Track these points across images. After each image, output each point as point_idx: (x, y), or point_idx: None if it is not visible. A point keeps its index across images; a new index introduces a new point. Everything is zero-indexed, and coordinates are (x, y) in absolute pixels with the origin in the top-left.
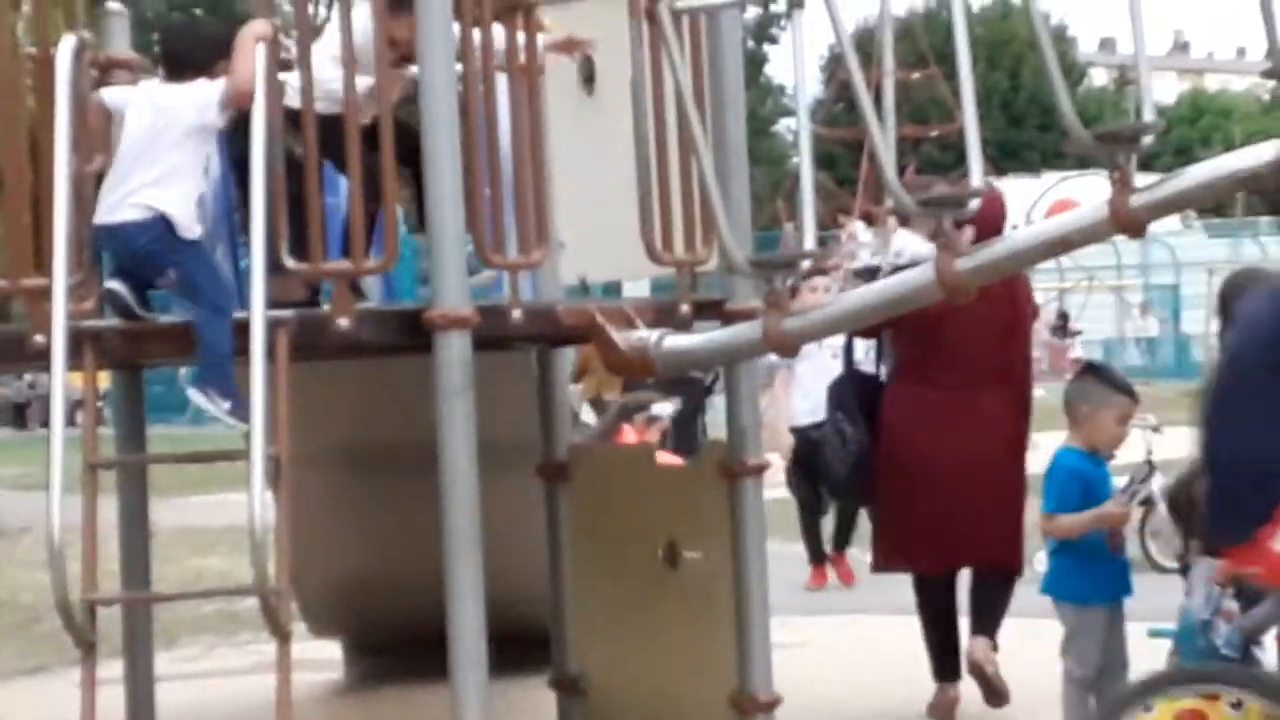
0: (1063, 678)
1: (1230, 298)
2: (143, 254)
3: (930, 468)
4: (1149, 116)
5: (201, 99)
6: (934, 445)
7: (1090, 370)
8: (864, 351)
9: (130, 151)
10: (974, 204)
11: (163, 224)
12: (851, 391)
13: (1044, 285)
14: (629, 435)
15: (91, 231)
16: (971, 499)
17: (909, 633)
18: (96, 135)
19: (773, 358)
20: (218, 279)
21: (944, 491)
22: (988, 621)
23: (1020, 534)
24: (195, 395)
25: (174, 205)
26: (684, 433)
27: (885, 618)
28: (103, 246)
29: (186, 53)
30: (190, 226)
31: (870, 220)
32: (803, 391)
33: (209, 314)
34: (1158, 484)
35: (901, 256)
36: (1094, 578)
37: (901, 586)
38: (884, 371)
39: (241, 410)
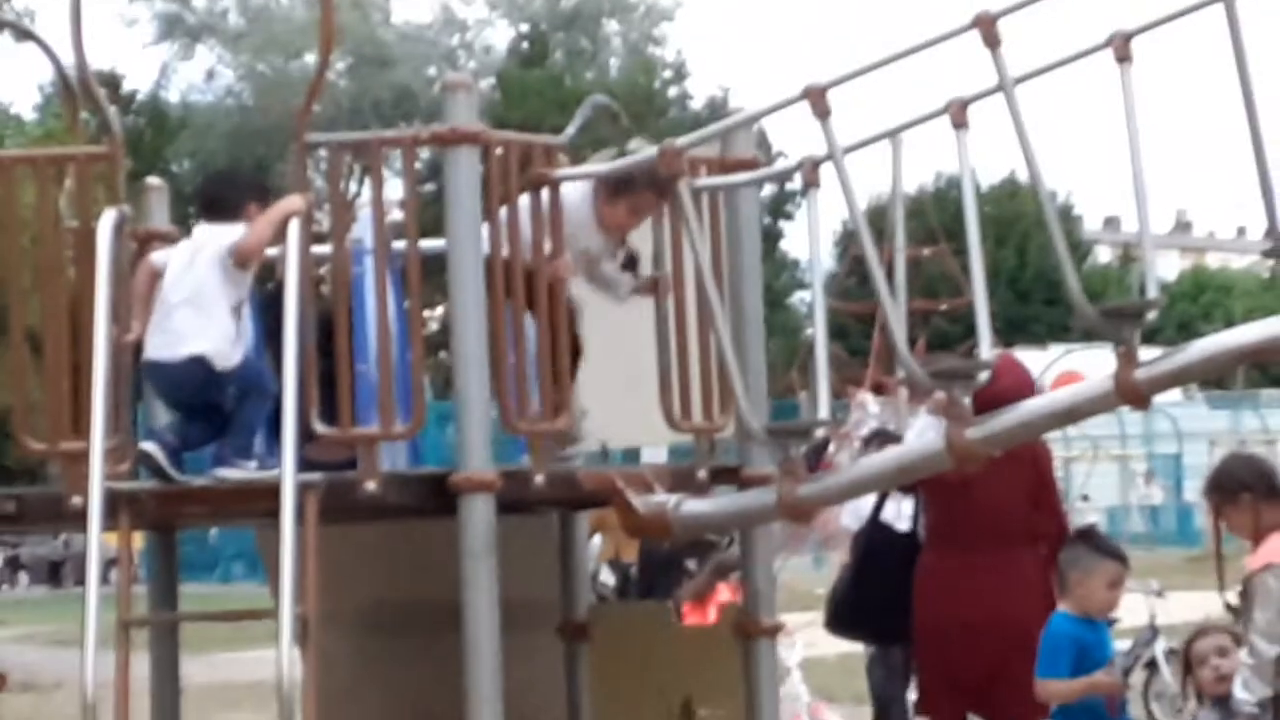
0: None
1: None
2: (187, 393)
3: (970, 629)
4: (1153, 293)
5: (227, 237)
6: (972, 607)
7: (1080, 537)
8: (894, 510)
9: (170, 288)
10: (982, 376)
11: (201, 365)
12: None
13: None
14: (724, 594)
15: (134, 380)
16: (1007, 660)
17: None
18: (144, 298)
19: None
20: (262, 375)
21: (984, 654)
22: None
23: None
24: (224, 471)
25: (209, 342)
26: None
27: None
28: (150, 381)
29: (218, 195)
30: (228, 355)
31: (881, 390)
32: None
33: (257, 402)
34: (1160, 648)
35: (868, 419)
36: None
37: None
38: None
39: (272, 461)
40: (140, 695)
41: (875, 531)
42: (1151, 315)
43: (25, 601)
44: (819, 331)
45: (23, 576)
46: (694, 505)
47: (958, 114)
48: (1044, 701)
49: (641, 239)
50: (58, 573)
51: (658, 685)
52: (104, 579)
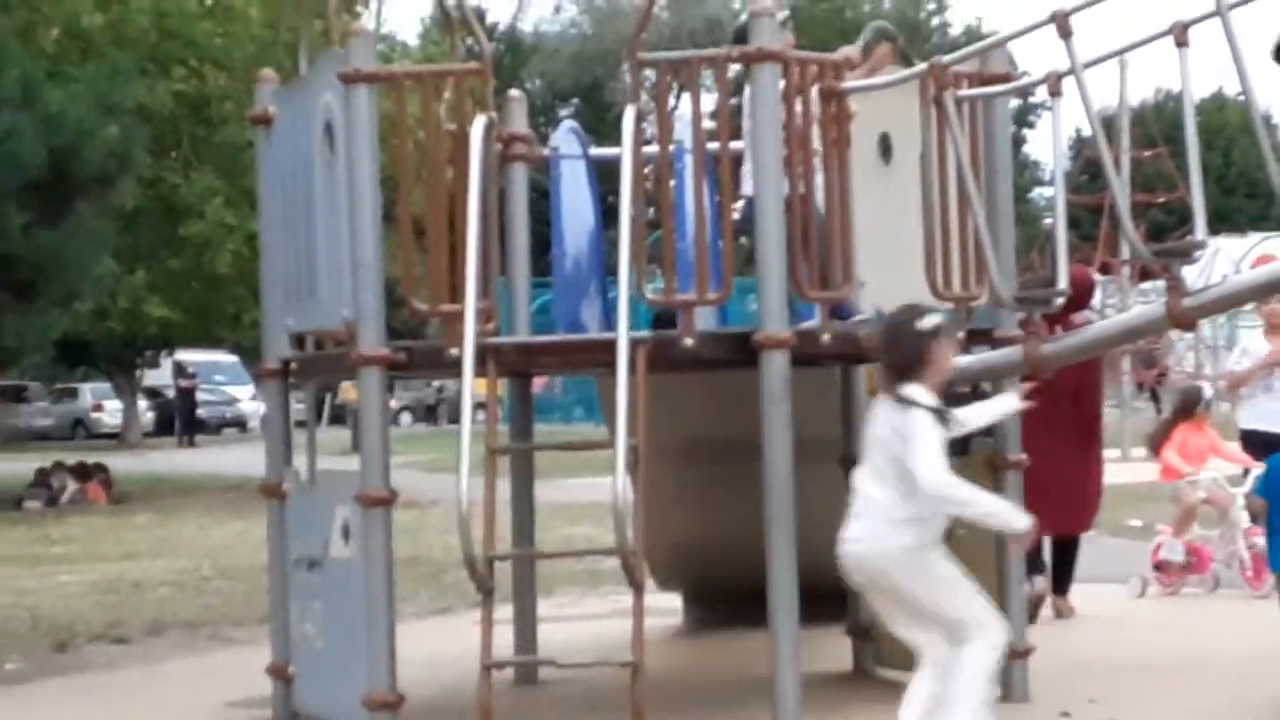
0: None
1: None
2: None
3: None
4: None
5: None
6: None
7: None
8: None
9: None
10: (1198, 254)
11: None
12: None
13: (1250, 325)
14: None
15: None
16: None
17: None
18: None
19: None
20: None
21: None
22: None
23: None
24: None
25: None
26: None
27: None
28: None
29: None
30: None
31: (1107, 271)
32: None
33: None
34: None
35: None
36: None
37: None
38: None
39: None
40: (503, 510)
41: None
42: None
43: (407, 437)
44: (1059, 218)
45: (405, 417)
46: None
47: (1180, 34)
48: None
49: (912, 139)
50: (433, 413)
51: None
52: (472, 419)
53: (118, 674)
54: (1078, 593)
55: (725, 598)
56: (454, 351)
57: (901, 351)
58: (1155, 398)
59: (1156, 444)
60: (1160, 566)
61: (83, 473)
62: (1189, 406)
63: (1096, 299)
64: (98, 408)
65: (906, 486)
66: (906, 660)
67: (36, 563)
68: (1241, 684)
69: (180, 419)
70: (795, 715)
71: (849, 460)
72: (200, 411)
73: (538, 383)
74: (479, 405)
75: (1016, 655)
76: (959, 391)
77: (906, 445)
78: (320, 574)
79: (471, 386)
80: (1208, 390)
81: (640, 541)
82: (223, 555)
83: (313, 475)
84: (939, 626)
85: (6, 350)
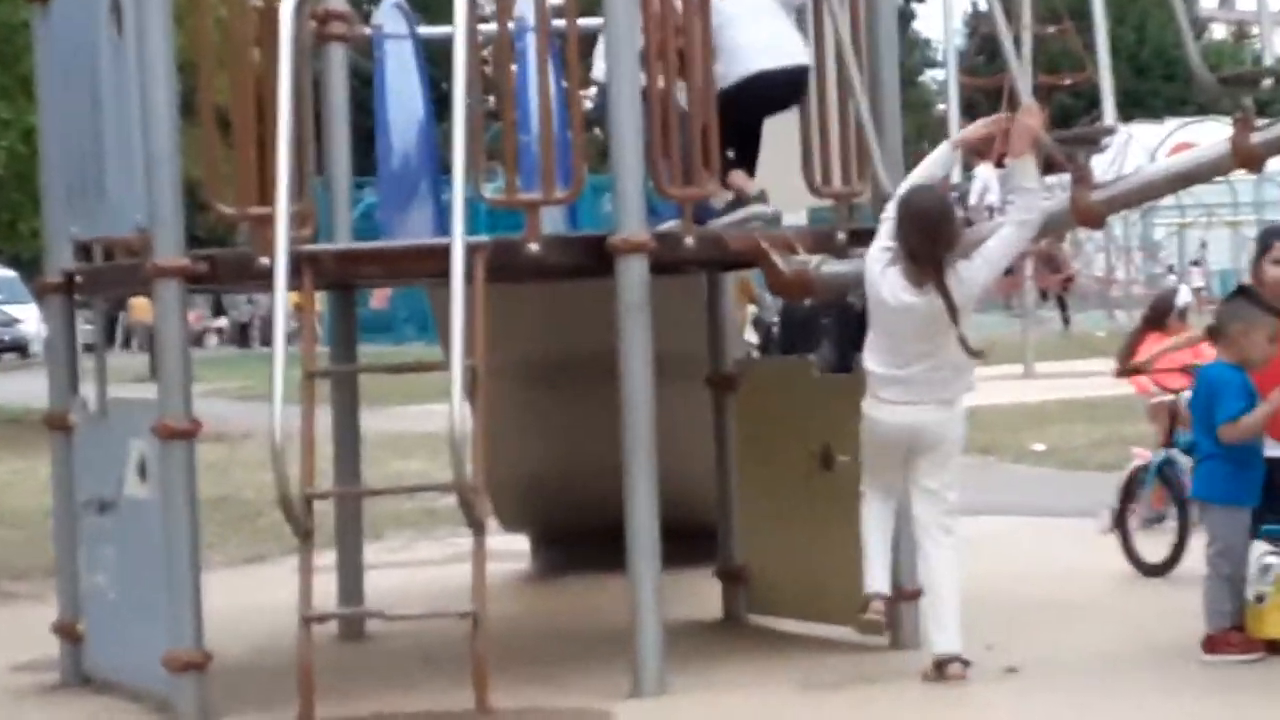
0: (1210, 575)
1: None
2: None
3: None
4: (1269, 61)
5: None
6: None
7: (1242, 293)
8: None
9: None
10: (1106, 141)
11: None
12: None
13: (1166, 221)
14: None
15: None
16: None
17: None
18: None
19: None
20: None
21: None
22: None
23: None
24: None
25: None
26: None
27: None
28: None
29: None
30: None
31: (1003, 163)
32: None
33: None
34: None
35: (989, 192)
36: (1246, 482)
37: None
38: None
39: None
40: (323, 443)
41: None
42: (1267, 83)
43: (215, 361)
44: (951, 103)
45: (211, 339)
46: (834, 265)
47: None
48: (1232, 441)
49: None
50: (245, 334)
51: (799, 433)
52: (289, 342)
53: None
54: (982, 525)
55: (579, 538)
56: (264, 261)
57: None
58: (1062, 306)
59: (1124, 358)
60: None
61: None
62: (1159, 316)
63: (995, 195)
64: None
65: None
66: (781, 605)
67: None
68: (1151, 626)
69: None
70: (657, 668)
71: (718, 380)
72: None
73: (380, 296)
74: (294, 331)
75: (904, 597)
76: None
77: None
78: (113, 517)
79: (285, 301)
80: (1183, 295)
81: (480, 475)
82: (1, 498)
83: (103, 405)
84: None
85: None
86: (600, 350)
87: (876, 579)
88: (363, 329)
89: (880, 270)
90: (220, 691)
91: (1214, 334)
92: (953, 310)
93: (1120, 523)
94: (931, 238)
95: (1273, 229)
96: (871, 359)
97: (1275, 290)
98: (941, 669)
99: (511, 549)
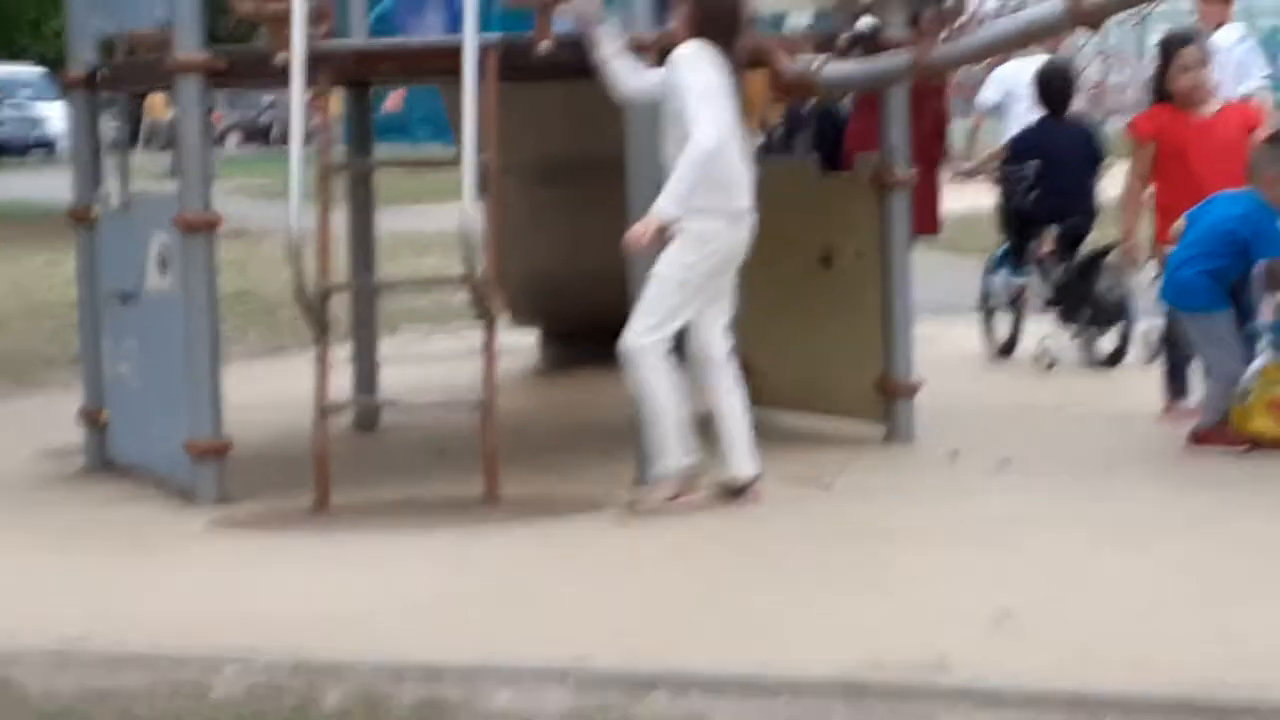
0: (1210, 376)
1: None
2: None
3: None
4: None
5: None
6: None
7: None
8: None
9: None
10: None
11: None
12: None
13: None
14: None
15: None
16: None
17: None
18: None
19: None
20: None
21: None
22: None
23: None
24: None
25: None
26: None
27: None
28: None
29: None
30: None
31: None
32: None
33: None
34: None
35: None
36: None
37: None
38: None
39: None
40: (339, 242)
41: None
42: None
43: (234, 160)
44: None
45: (231, 138)
46: (836, 67)
47: None
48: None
49: None
50: (266, 134)
51: (801, 232)
52: (307, 142)
53: None
54: (962, 328)
55: (587, 334)
56: (281, 57)
57: None
58: None
59: None
60: None
61: None
62: None
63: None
64: None
65: None
66: (782, 398)
67: None
68: (1139, 424)
69: None
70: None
71: None
72: (2, 130)
73: (394, 99)
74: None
75: (901, 391)
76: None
77: None
78: (135, 308)
79: (302, 97)
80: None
81: (492, 270)
82: (29, 291)
83: (126, 199)
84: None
85: None
86: (614, 151)
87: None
88: (378, 131)
89: None
90: (240, 478)
91: (1252, 174)
92: None
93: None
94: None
95: (1173, 37)
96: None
97: (1186, 97)
98: (743, 491)
99: (522, 345)
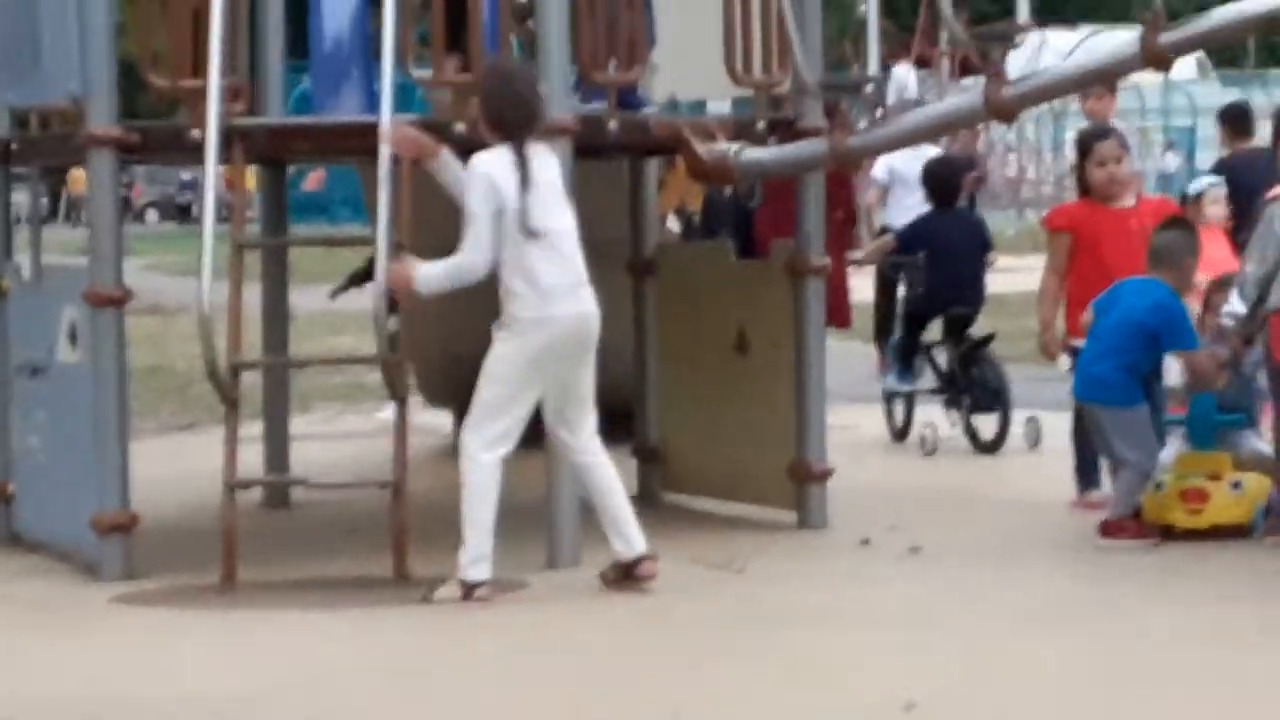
0: (1130, 469)
1: None
2: None
3: None
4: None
5: None
6: None
7: (1177, 222)
8: None
9: None
10: (1019, 39)
11: None
12: None
13: (1078, 126)
14: None
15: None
16: None
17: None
18: None
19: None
20: None
21: None
22: None
23: None
24: None
25: None
26: None
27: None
28: None
29: None
30: None
31: (925, 64)
32: None
33: None
34: None
35: (907, 90)
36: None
37: None
38: None
39: None
40: (253, 320)
41: None
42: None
43: (154, 236)
44: (871, 7)
45: (151, 214)
46: (754, 153)
47: None
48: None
49: None
50: (186, 212)
51: (716, 316)
52: (223, 218)
53: None
54: (874, 416)
55: None
56: (196, 133)
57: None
58: (972, 204)
59: None
60: None
61: None
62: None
63: (913, 89)
64: None
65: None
66: (695, 483)
67: None
68: (1048, 514)
69: None
70: (574, 542)
71: (639, 265)
72: None
73: (314, 179)
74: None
75: (814, 477)
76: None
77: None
78: (45, 381)
79: (215, 174)
80: (1199, 183)
81: (402, 350)
82: None
83: (37, 271)
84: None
85: None
86: None
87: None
88: (298, 210)
89: None
90: (147, 553)
91: (1159, 260)
92: None
93: None
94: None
95: (1090, 132)
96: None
97: (1103, 191)
98: (633, 569)
99: (435, 425)
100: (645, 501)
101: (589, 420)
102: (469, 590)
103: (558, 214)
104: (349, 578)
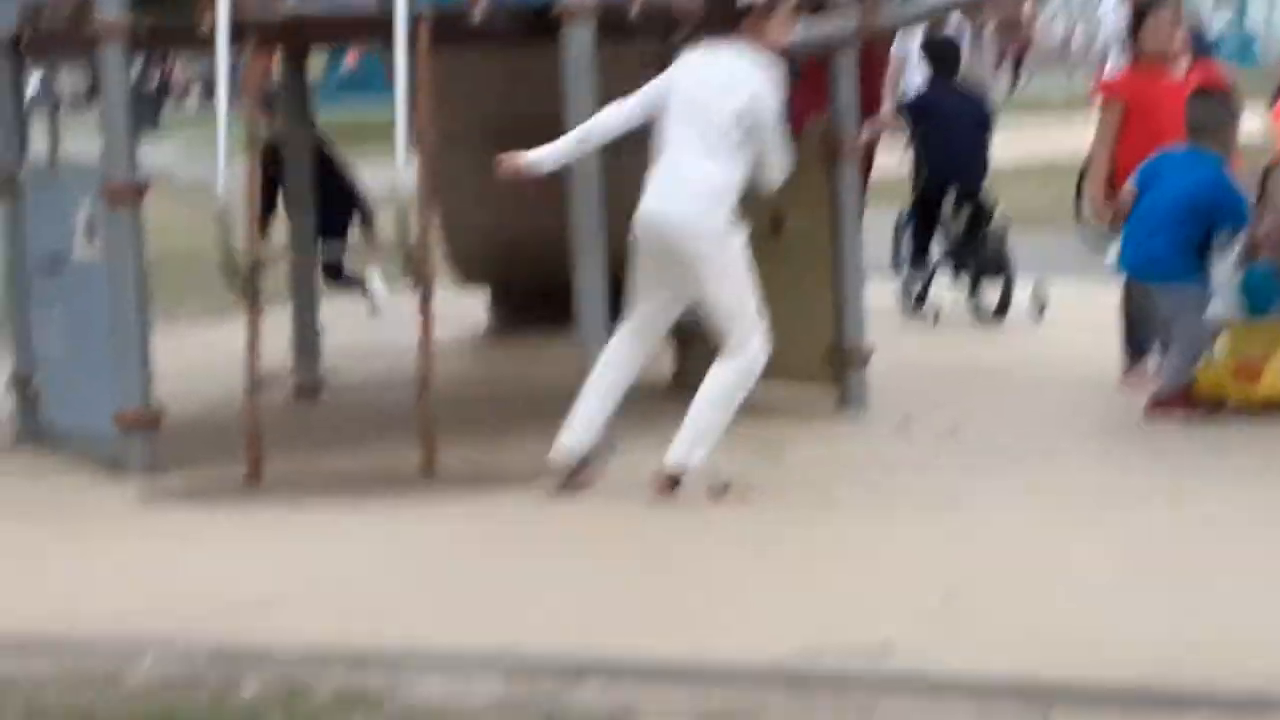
0: (1175, 345)
1: None
2: None
3: None
4: None
5: None
6: None
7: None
8: None
9: None
10: None
11: None
12: None
13: None
14: None
15: None
16: None
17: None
18: None
19: None
20: None
21: None
22: None
23: None
24: None
25: None
26: None
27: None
28: None
29: None
30: None
31: None
32: None
33: None
34: None
35: None
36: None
37: None
38: None
39: None
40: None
41: None
42: None
43: (196, 116)
44: None
45: (194, 92)
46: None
47: None
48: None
49: None
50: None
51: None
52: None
53: None
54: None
55: (531, 295)
56: (207, 22)
57: None
58: (1018, 67)
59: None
60: None
61: None
62: None
63: None
64: None
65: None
66: None
67: None
68: (1091, 390)
69: None
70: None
71: None
72: None
73: (353, 56)
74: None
75: (852, 359)
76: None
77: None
78: (63, 278)
79: (228, 64)
80: None
81: (426, 235)
82: None
83: (53, 164)
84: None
85: None
86: (554, 112)
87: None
88: (342, 89)
89: None
90: (171, 446)
91: (1199, 131)
92: None
93: None
94: None
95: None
96: None
97: (1156, 58)
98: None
99: (467, 310)
100: (681, 382)
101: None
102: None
103: None
104: (376, 471)
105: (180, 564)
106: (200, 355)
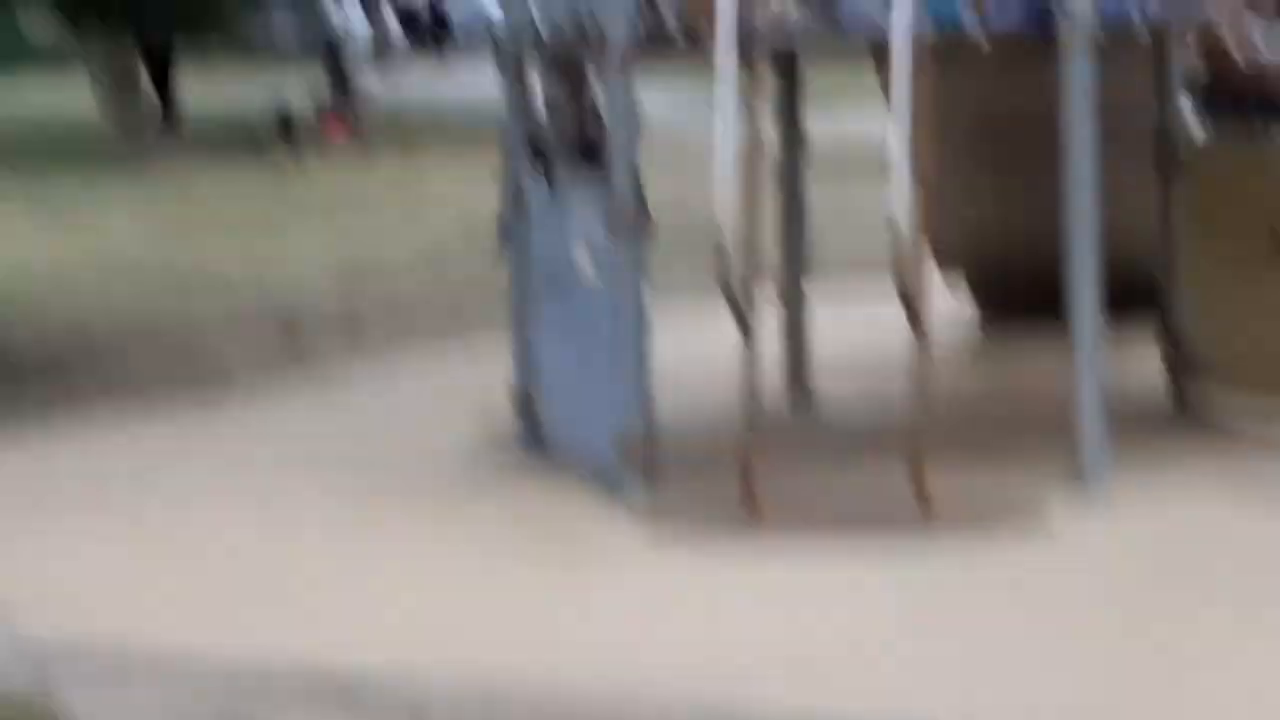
0: None
1: None
2: None
3: None
4: None
5: None
6: None
7: None
8: None
9: None
10: None
11: None
12: None
13: None
14: None
15: None
16: None
17: None
18: None
19: None
20: None
21: None
22: None
23: None
24: None
25: None
26: None
27: None
28: None
29: None
30: None
31: None
32: None
33: None
34: None
35: None
36: None
37: None
38: None
39: None
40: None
41: None
42: None
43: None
44: None
45: None
46: None
47: None
48: None
49: None
50: None
51: (1254, 212)
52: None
53: (352, 387)
54: None
55: (1019, 292)
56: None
57: None
58: None
59: None
60: None
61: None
62: None
63: None
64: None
65: None
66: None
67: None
68: None
69: (426, 32)
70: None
71: (1163, 139)
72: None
73: None
74: None
75: None
76: None
77: None
78: (565, 296)
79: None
80: None
81: (918, 278)
82: (474, 215)
83: (553, 185)
84: None
85: None
86: (1050, 106)
87: None
88: None
89: None
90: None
91: None
92: None
93: None
94: None
95: None
96: None
97: None
98: None
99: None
100: (1178, 418)
101: None
102: None
103: None
104: (870, 509)
105: (680, 618)
106: (685, 347)
